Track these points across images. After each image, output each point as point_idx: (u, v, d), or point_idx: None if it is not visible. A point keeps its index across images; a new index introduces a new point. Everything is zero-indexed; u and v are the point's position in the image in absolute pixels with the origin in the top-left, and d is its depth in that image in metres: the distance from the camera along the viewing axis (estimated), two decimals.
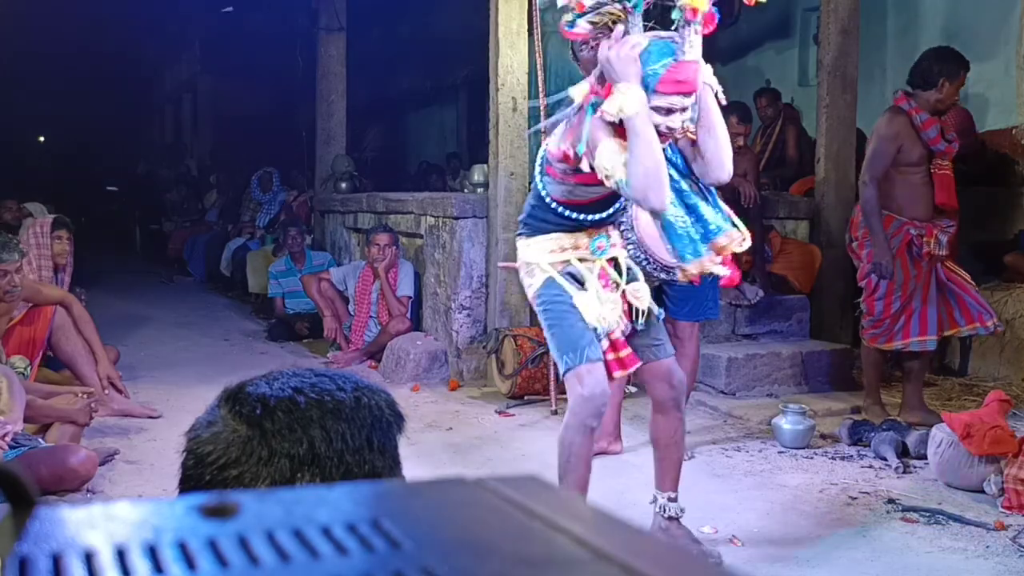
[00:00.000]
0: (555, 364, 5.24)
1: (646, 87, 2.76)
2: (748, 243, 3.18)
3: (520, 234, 3.23)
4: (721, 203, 3.18)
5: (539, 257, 3.13)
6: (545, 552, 0.51)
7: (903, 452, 4.33)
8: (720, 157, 2.99)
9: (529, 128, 5.89)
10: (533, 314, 6.02)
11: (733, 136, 5.77)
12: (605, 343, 3.11)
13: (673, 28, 2.82)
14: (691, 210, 3.07)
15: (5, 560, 0.47)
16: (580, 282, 3.11)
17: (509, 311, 5.84)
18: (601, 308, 3.09)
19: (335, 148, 9.39)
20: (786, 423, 4.55)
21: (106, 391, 5.02)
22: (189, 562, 0.47)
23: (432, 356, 6.08)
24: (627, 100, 2.71)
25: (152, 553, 0.48)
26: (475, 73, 10.07)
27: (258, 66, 13.82)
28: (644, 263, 3.78)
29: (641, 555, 0.50)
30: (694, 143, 2.98)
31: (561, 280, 3.11)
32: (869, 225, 4.78)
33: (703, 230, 3.07)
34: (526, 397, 5.51)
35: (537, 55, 5.51)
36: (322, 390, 1.04)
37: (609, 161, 2.77)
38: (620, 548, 0.50)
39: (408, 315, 6.62)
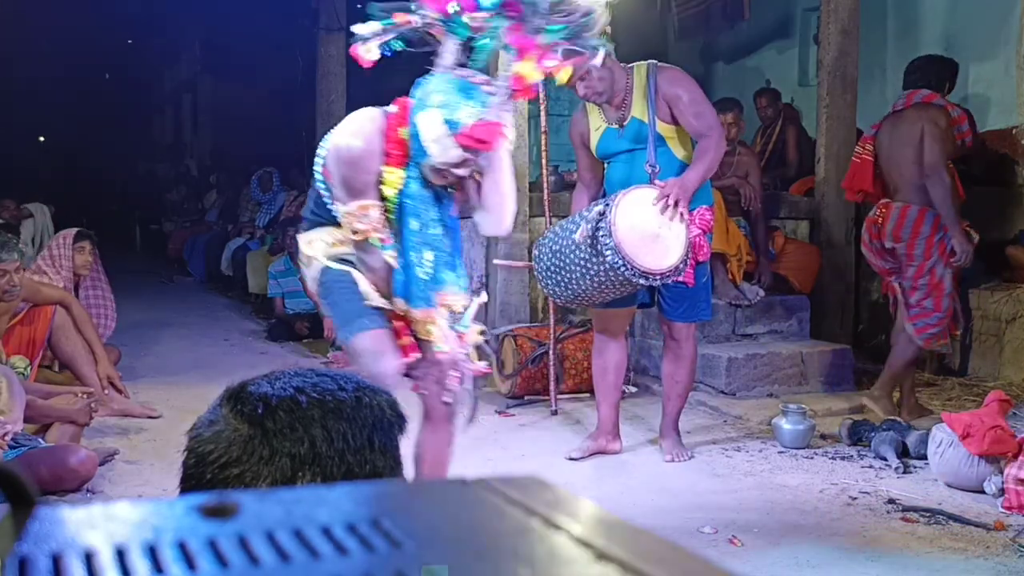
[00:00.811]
0: (555, 363, 5.28)
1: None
2: (464, 304, 3.03)
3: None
4: (460, 265, 3.06)
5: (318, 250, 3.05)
6: (545, 552, 0.51)
7: (903, 452, 4.33)
8: (502, 214, 2.99)
9: (529, 128, 5.90)
10: (533, 314, 6.04)
11: (727, 127, 5.82)
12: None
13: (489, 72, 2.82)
14: (437, 259, 2.95)
15: (5, 560, 0.47)
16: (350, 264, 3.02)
17: (509, 311, 5.84)
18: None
19: None
20: (786, 423, 4.55)
21: (106, 391, 5.02)
22: (189, 562, 0.47)
23: None
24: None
25: (152, 553, 0.48)
26: None
27: (258, 66, 13.83)
28: (622, 268, 3.79)
29: (641, 555, 0.50)
30: (478, 189, 2.93)
31: (335, 264, 3.01)
32: (950, 217, 4.68)
33: (435, 281, 2.95)
34: (526, 397, 5.52)
35: None
36: (324, 390, 1.04)
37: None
38: (620, 548, 0.50)
39: None
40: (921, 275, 4.81)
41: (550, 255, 4.09)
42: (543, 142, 5.40)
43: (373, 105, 3.05)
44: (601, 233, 3.81)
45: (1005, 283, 5.90)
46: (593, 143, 4.30)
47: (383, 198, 2.90)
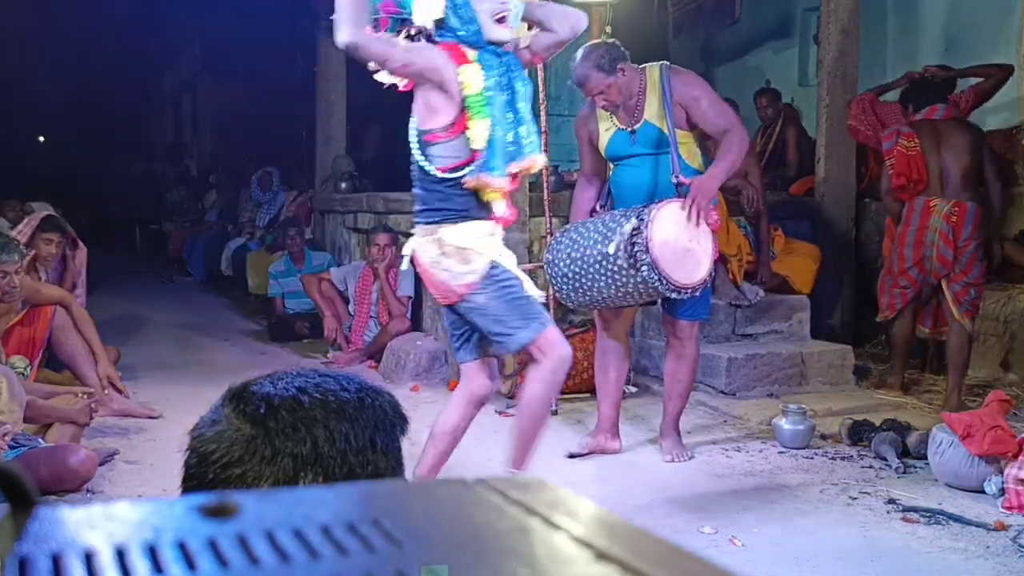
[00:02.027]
0: None
1: None
2: (540, 165, 3.45)
3: (435, 221, 3.29)
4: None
5: (473, 242, 3.26)
6: (545, 552, 0.51)
7: (903, 452, 4.33)
8: (574, 21, 3.39)
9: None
10: None
11: None
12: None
13: None
14: (516, 131, 3.25)
15: (5, 560, 0.47)
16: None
17: None
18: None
19: (335, 148, 9.39)
20: (786, 423, 4.55)
21: (106, 391, 5.02)
22: (189, 562, 0.47)
23: (432, 356, 6.08)
24: None
25: (152, 553, 0.48)
26: None
27: (258, 66, 13.83)
28: (657, 283, 3.79)
29: (641, 555, 0.50)
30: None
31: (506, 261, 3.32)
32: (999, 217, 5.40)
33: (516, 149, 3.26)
34: None
35: None
36: (326, 390, 1.04)
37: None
38: (620, 548, 0.50)
39: (408, 315, 6.62)
40: (985, 272, 5.22)
41: (568, 262, 4.05)
42: (543, 142, 5.40)
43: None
44: (637, 249, 3.80)
45: (1005, 283, 5.90)
46: (602, 144, 4.28)
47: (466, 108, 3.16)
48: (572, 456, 4.39)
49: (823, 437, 4.69)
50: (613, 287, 3.93)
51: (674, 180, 4.06)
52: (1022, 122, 6.32)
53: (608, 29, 6.32)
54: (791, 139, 7.42)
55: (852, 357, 5.70)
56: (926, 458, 4.13)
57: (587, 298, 4.08)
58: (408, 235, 7.29)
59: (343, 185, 8.80)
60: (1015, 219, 6.13)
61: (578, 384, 5.46)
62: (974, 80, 5.71)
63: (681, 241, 3.86)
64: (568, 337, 5.49)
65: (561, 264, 4.08)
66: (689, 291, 3.90)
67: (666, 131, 4.10)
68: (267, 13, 11.94)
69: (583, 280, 4.00)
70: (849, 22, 6.35)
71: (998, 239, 5.32)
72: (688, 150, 4.14)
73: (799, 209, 6.64)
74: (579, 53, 4.17)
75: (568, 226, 4.29)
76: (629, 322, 4.57)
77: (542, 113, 5.42)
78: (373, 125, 12.91)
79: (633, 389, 5.65)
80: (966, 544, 3.36)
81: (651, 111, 4.13)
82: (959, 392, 5.13)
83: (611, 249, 3.85)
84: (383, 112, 14.32)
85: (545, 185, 5.45)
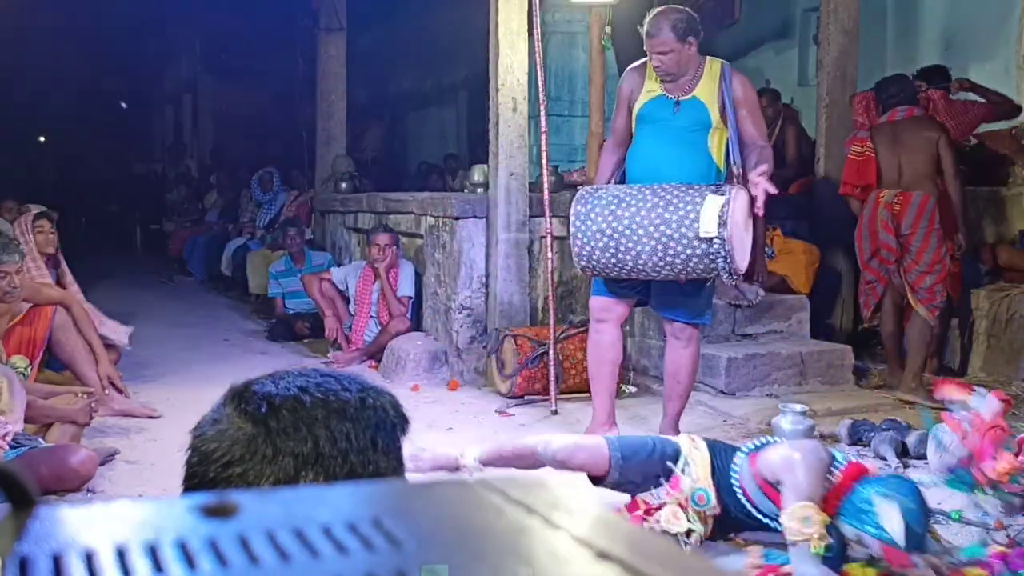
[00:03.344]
0: (555, 363, 5.27)
1: None
2: None
3: None
4: None
5: None
6: (545, 552, 0.51)
7: (903, 452, 4.33)
8: None
9: (529, 128, 5.90)
10: (533, 314, 6.04)
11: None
12: None
13: None
14: None
15: (5, 560, 0.47)
16: None
17: (509, 311, 5.83)
18: None
19: (335, 148, 9.39)
20: (786, 423, 4.54)
21: (106, 391, 5.02)
22: (189, 562, 0.47)
23: (432, 356, 6.08)
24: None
25: (152, 553, 0.48)
26: (475, 73, 10.07)
27: (258, 66, 13.84)
28: (720, 260, 3.81)
29: (641, 555, 0.50)
30: None
31: None
32: (961, 210, 5.43)
33: None
34: (526, 397, 5.51)
35: (537, 55, 5.51)
36: (327, 390, 1.05)
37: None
38: (620, 548, 0.50)
39: (408, 315, 6.62)
40: (939, 258, 5.30)
41: (611, 219, 3.97)
42: (543, 142, 5.40)
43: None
44: (721, 222, 3.81)
45: (1004, 283, 5.90)
46: (639, 102, 4.25)
47: None
48: None
49: (823, 437, 4.68)
50: (657, 255, 3.91)
51: (735, 170, 4.07)
52: (1022, 123, 6.32)
53: (608, 29, 6.33)
54: (791, 139, 7.42)
55: (852, 357, 5.70)
56: (926, 458, 4.12)
57: (616, 260, 4.01)
58: (407, 235, 7.31)
59: (343, 185, 8.80)
60: (1014, 220, 6.13)
61: (577, 384, 5.46)
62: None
63: (742, 227, 3.94)
64: (568, 337, 5.53)
65: (599, 219, 4.00)
66: (737, 277, 3.96)
67: (714, 113, 4.14)
68: (267, 13, 11.94)
69: (623, 242, 3.96)
70: (849, 22, 6.35)
71: (961, 230, 5.43)
72: (719, 141, 4.16)
73: (798, 209, 6.64)
74: (657, 9, 4.20)
75: (604, 185, 4.23)
76: (626, 313, 4.52)
77: (542, 113, 5.42)
78: (373, 125, 12.93)
79: (633, 389, 5.65)
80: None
81: (703, 91, 4.16)
82: (918, 376, 5.30)
83: (706, 218, 3.80)
84: (383, 112, 14.37)
85: (545, 185, 5.45)
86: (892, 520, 2.86)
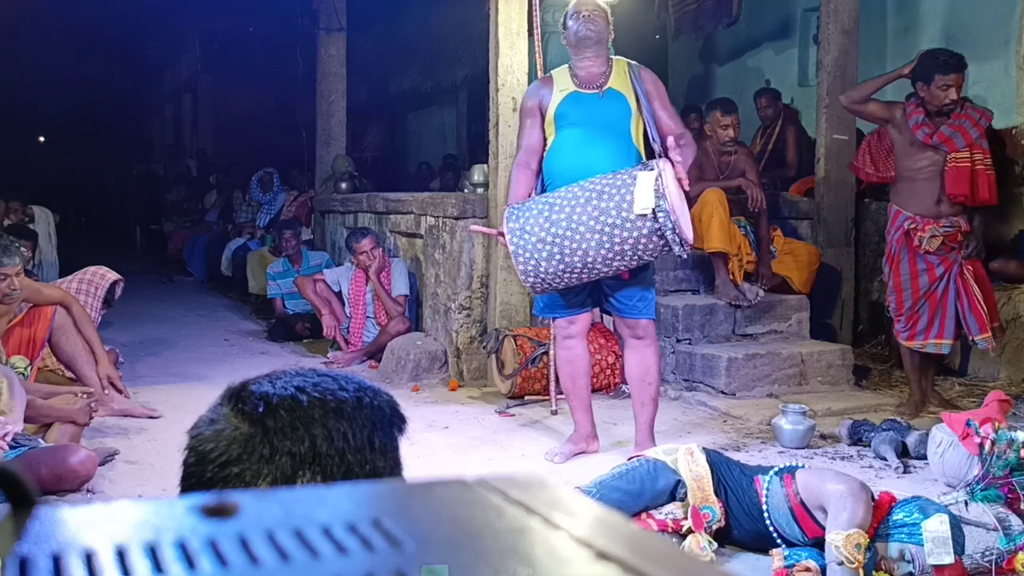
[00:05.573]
0: (555, 364, 5.26)
1: None
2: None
3: None
4: None
5: None
6: (545, 552, 0.51)
7: (903, 452, 4.33)
8: None
9: None
10: (532, 314, 6.03)
11: (730, 128, 5.87)
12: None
13: None
14: None
15: (5, 560, 0.47)
16: None
17: (509, 311, 5.83)
18: None
19: (335, 148, 9.39)
20: (786, 423, 4.55)
21: (106, 391, 5.02)
22: (189, 562, 0.47)
23: (432, 356, 6.08)
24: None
25: (152, 553, 0.48)
26: (475, 73, 10.07)
27: (258, 66, 13.83)
28: (669, 232, 3.79)
29: (641, 555, 0.50)
30: None
31: None
32: None
33: None
34: (526, 397, 5.51)
35: (537, 55, 5.51)
36: (325, 389, 1.05)
37: None
38: (620, 548, 0.50)
39: (406, 313, 6.61)
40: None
41: (547, 225, 3.91)
42: None
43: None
44: (658, 195, 3.80)
45: (1004, 284, 5.90)
46: (555, 102, 4.20)
47: None
48: (553, 463, 4.32)
49: (823, 437, 4.69)
50: (605, 247, 3.86)
51: (671, 143, 3.97)
52: (1022, 122, 6.32)
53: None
54: (791, 139, 7.42)
55: (852, 357, 5.70)
56: (926, 458, 4.13)
57: (564, 265, 3.92)
58: (407, 235, 7.31)
59: (343, 185, 8.80)
60: (1014, 221, 6.13)
61: None
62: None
63: (678, 197, 3.92)
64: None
65: (536, 229, 3.92)
66: (688, 249, 3.94)
67: (632, 102, 4.15)
68: (267, 13, 11.94)
69: (567, 244, 3.88)
70: (849, 22, 6.35)
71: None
72: (637, 129, 4.19)
73: (799, 209, 6.64)
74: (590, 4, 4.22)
75: (524, 201, 4.13)
76: (588, 325, 4.45)
77: None
78: (373, 125, 12.93)
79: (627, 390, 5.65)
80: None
81: (617, 83, 4.19)
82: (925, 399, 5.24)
83: (641, 194, 3.79)
84: (383, 112, 14.37)
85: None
86: (941, 528, 2.98)
